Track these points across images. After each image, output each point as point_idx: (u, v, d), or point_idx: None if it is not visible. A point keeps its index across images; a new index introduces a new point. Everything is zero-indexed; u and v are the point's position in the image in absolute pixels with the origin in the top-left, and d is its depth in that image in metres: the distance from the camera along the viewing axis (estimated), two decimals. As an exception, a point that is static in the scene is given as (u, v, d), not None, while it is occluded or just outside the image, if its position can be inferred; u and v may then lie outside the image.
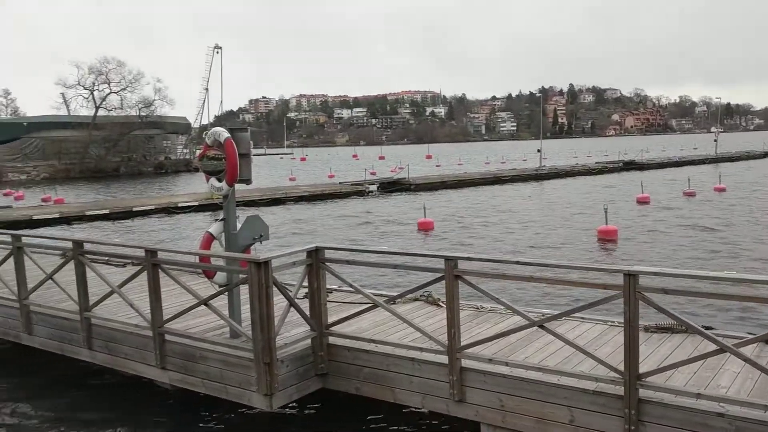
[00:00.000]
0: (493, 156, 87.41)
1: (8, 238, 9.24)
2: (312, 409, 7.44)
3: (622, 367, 5.31)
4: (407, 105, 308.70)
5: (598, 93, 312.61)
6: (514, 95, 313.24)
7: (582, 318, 7.40)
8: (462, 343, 6.17)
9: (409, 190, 39.87)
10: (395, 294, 7.36)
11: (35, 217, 27.18)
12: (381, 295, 7.64)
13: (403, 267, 6.99)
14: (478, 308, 8.10)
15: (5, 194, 42.96)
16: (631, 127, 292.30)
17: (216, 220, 7.35)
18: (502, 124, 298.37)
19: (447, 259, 6.07)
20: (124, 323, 7.76)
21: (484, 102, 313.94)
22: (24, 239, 9.13)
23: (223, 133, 6.92)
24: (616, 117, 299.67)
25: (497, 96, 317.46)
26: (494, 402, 5.96)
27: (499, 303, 6.07)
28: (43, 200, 35.35)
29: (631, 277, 5.16)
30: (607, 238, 19.58)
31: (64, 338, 8.46)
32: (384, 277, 13.80)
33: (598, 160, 66.72)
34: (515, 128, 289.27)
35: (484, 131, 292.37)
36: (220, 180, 7.03)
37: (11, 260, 8.94)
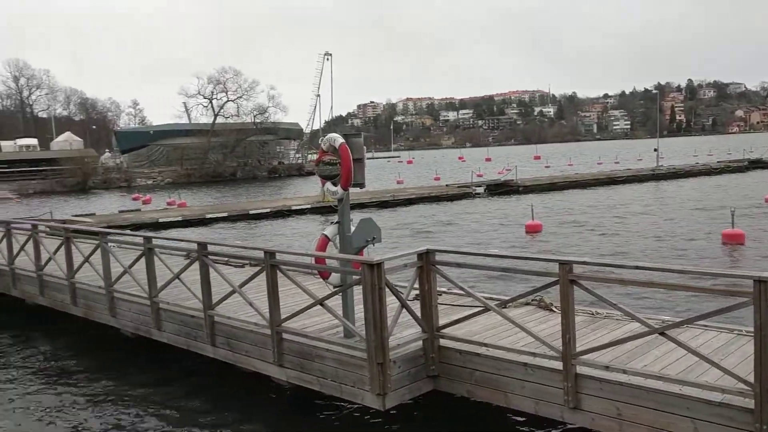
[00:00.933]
0: (605, 156, 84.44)
1: (140, 240, 9.93)
2: (423, 410, 7.50)
3: (751, 378, 5.01)
4: (514, 105, 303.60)
5: (719, 88, 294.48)
6: (627, 92, 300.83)
7: (705, 326, 7.02)
8: (577, 349, 6.03)
9: (518, 192, 39.24)
10: (507, 298, 7.30)
11: (161, 220, 28.99)
12: (492, 299, 7.61)
13: (514, 270, 6.92)
14: (593, 314, 7.88)
15: (134, 198, 46.05)
16: (757, 123, 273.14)
17: (331, 223, 7.57)
18: (614, 123, 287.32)
19: (562, 263, 5.96)
20: (244, 321, 8.14)
21: (596, 100, 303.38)
22: (154, 241, 9.77)
23: (338, 138, 7.13)
24: (740, 113, 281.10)
25: (609, 94, 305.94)
26: (611, 410, 5.79)
27: (617, 309, 5.89)
28: (168, 204, 37.59)
29: (762, 283, 4.87)
30: (733, 243, 18.43)
31: (190, 334, 8.98)
32: (489, 281, 13.67)
33: (720, 158, 62.91)
34: (629, 127, 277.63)
35: (595, 130, 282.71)
36: (335, 184, 7.25)
37: (143, 260, 9.59)
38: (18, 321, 12.98)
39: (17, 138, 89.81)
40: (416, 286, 7.04)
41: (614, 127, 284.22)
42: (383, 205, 34.00)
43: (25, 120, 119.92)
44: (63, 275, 11.36)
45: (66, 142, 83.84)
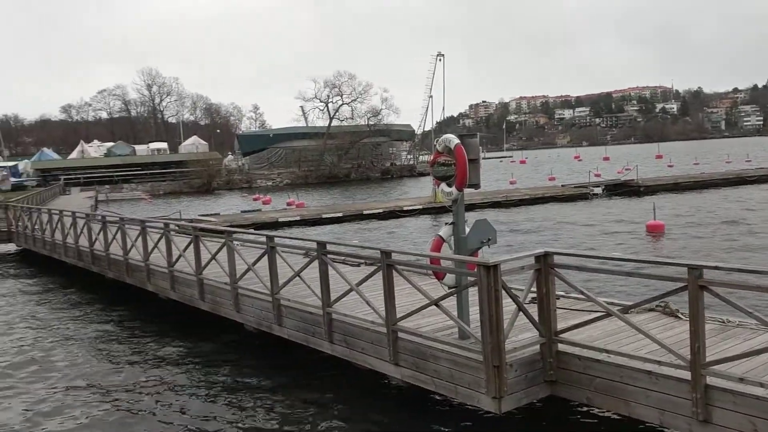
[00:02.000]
0: (735, 154, 79.11)
1: (263, 239, 10.37)
2: (540, 415, 7.36)
3: None
4: (634, 102, 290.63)
5: None
6: (760, 86, 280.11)
7: None
8: (707, 359, 5.71)
9: (638, 193, 37.56)
10: (630, 303, 7.02)
11: (280, 220, 30.13)
12: (613, 303, 7.34)
13: (638, 275, 6.65)
14: (723, 322, 7.42)
15: (254, 199, 48.05)
16: None
17: (445, 224, 7.59)
18: (745, 119, 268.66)
19: (691, 267, 5.66)
20: (360, 319, 8.31)
21: (724, 95, 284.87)
22: (276, 240, 10.17)
23: (453, 139, 7.14)
24: None
25: (740, 88, 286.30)
26: (745, 425, 5.43)
27: (753, 317, 5.52)
28: (288, 204, 38.96)
29: None
30: None
31: (309, 330, 9.28)
32: (605, 284, 13.17)
33: None
34: (761, 122, 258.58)
35: (723, 127, 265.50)
36: (450, 185, 7.26)
37: (265, 258, 10.00)
38: (152, 314, 13.90)
39: (150, 142, 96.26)
40: (533, 289, 6.92)
41: (745, 124, 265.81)
42: (496, 205, 33.61)
43: (157, 125, 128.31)
44: (192, 272, 12.05)
45: (193, 145, 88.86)
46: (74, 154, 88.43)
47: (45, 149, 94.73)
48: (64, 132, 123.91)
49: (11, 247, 26.20)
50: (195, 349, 11.39)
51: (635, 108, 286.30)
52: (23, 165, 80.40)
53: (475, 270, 6.56)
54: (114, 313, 14.56)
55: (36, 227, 22.26)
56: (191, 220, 25.34)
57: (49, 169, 76.84)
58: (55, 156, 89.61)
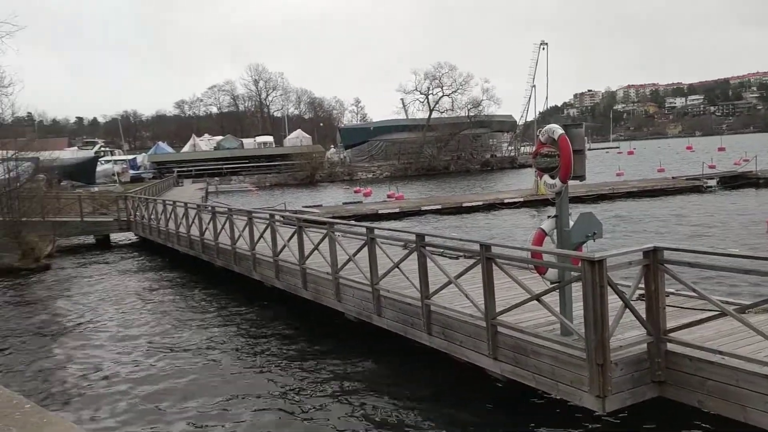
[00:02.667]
0: None
1: (363, 230, 10.51)
2: (646, 417, 7.06)
3: None
4: (754, 88, 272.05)
5: None
6: None
7: None
8: (836, 365, 5.28)
9: (757, 185, 35.22)
10: (748, 303, 6.61)
11: (380, 211, 30.44)
12: (728, 303, 6.93)
13: (757, 273, 6.24)
14: None
15: (355, 191, 48.77)
16: None
17: (548, 216, 7.41)
18: None
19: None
20: (459, 312, 8.27)
21: None
22: (376, 231, 10.28)
23: (557, 129, 6.95)
24: None
25: None
26: None
27: None
28: (388, 196, 39.29)
29: None
30: None
31: (407, 322, 9.34)
32: (717, 283, 12.42)
33: None
34: None
35: None
36: (553, 177, 7.07)
37: (365, 249, 10.14)
38: (259, 303, 14.42)
39: (256, 136, 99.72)
40: (640, 285, 6.64)
41: None
42: (601, 198, 32.47)
43: (263, 119, 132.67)
44: (295, 261, 12.40)
45: (297, 138, 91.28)
46: (186, 148, 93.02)
47: (160, 143, 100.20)
48: (178, 126, 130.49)
49: (130, 235, 27.88)
50: (297, 334, 11.72)
51: (755, 95, 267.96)
52: (141, 158, 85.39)
53: (579, 265, 6.37)
54: (222, 299, 15.21)
55: (152, 217, 23.59)
56: (295, 211, 26.06)
57: (163, 162, 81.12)
58: (169, 149, 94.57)
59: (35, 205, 24.72)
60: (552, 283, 7.18)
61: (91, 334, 12.99)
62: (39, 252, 21.87)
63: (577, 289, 6.77)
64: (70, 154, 66.63)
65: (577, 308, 6.80)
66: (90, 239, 27.50)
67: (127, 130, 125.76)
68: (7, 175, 24.20)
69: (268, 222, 13.84)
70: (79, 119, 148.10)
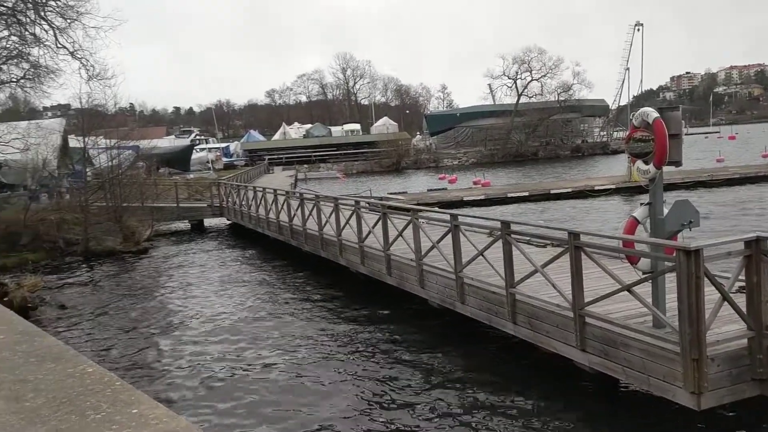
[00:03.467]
0: None
1: (447, 217, 10.44)
2: (746, 416, 6.69)
3: None
4: None
5: None
6: None
7: None
8: None
9: None
10: None
11: (465, 198, 30.19)
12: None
13: None
14: None
15: (440, 178, 48.58)
16: None
17: (641, 204, 7.10)
18: None
19: None
20: (546, 302, 8.08)
21: None
22: (459, 218, 10.19)
23: (651, 113, 6.63)
24: None
25: None
26: None
27: None
28: (474, 183, 38.90)
29: None
30: None
31: (491, 310, 9.22)
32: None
33: None
34: None
35: None
36: (647, 162, 6.77)
37: (449, 237, 10.07)
38: (345, 288, 14.63)
39: (344, 123, 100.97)
40: (740, 277, 6.27)
41: None
42: (699, 185, 30.90)
43: (350, 107, 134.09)
44: (380, 247, 12.48)
45: (383, 126, 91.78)
46: (277, 136, 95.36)
47: (252, 131, 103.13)
48: (269, 115, 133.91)
49: (223, 221, 28.90)
50: (381, 319, 11.81)
51: None
52: (234, 146, 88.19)
53: (674, 255, 6.08)
54: (309, 283, 15.53)
55: (243, 203, 24.34)
56: (380, 198, 26.24)
57: (255, 150, 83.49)
58: (261, 137, 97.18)
59: (135, 191, 26.03)
60: (644, 273, 6.89)
61: (184, 315, 13.56)
62: (138, 236, 23.03)
63: (671, 280, 6.47)
64: (167, 142, 69.61)
65: (671, 300, 6.51)
66: (185, 224, 28.69)
67: (220, 119, 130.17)
68: (110, 163, 25.57)
69: (353, 208, 13.99)
70: (177, 109, 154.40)
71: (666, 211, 6.87)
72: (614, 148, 74.19)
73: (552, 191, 31.19)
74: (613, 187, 30.81)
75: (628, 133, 7.14)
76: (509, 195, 30.82)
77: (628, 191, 29.40)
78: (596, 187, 31.06)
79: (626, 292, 6.84)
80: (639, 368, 6.65)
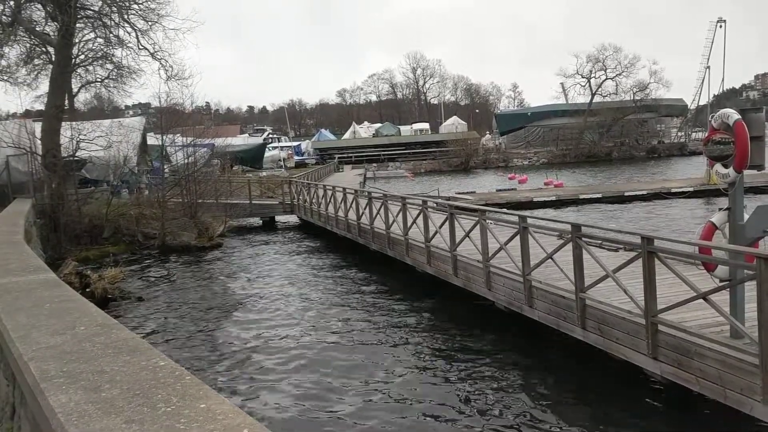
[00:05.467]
0: None
1: (515, 219, 10.31)
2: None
3: None
4: None
5: None
6: None
7: None
8: None
9: None
10: None
11: (535, 199, 29.72)
12: None
13: None
14: None
15: (510, 178, 47.92)
16: None
17: (720, 209, 6.83)
18: None
19: None
20: (616, 308, 7.87)
21: None
22: (529, 220, 10.04)
23: (732, 114, 6.36)
24: None
25: None
26: None
27: None
28: (546, 184, 38.22)
29: None
30: None
31: (560, 315, 9.04)
32: None
33: None
34: None
35: None
36: (726, 166, 6.50)
37: (517, 238, 9.95)
38: (411, 287, 14.66)
39: (413, 123, 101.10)
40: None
41: None
42: (785, 189, 29.36)
43: (420, 106, 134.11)
44: (446, 248, 12.43)
45: (452, 125, 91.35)
46: (347, 135, 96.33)
47: (323, 130, 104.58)
48: (339, 114, 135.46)
49: (294, 218, 29.42)
50: (445, 319, 11.77)
51: None
52: (305, 145, 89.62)
53: (754, 262, 5.81)
54: (377, 282, 15.63)
55: (313, 201, 24.71)
56: (448, 198, 26.14)
57: (325, 149, 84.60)
58: (331, 136, 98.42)
59: (210, 188, 26.82)
60: (722, 281, 6.63)
61: (255, 311, 13.88)
62: (212, 231, 23.72)
63: (750, 289, 6.19)
64: (241, 140, 71.43)
65: (751, 310, 6.23)
66: (257, 220, 29.36)
67: (292, 118, 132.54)
68: (186, 160, 26.44)
69: (420, 208, 13.99)
70: (250, 108, 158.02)
71: (747, 216, 6.58)
72: (692, 149, 71.37)
73: (626, 193, 30.34)
74: (690, 189, 29.71)
75: (707, 134, 6.87)
76: (581, 196, 30.15)
77: (707, 194, 28.27)
78: (673, 190, 30.02)
79: (701, 300, 6.59)
80: (714, 379, 6.40)
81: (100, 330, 4.04)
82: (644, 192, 30.30)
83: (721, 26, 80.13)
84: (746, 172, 6.61)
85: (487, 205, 22.24)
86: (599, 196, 30.13)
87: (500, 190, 35.31)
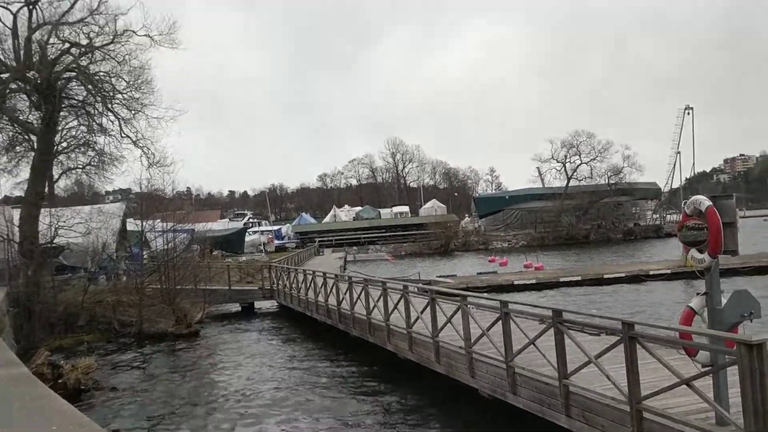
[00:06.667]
0: None
1: (497, 304, 10.30)
2: None
3: None
4: None
5: None
6: None
7: None
8: None
9: None
10: None
11: (516, 282, 29.77)
12: None
13: None
14: None
15: (490, 260, 48.09)
16: None
17: (697, 294, 6.89)
18: None
19: None
20: (600, 394, 7.78)
21: None
22: (510, 305, 10.03)
23: (704, 201, 6.54)
24: None
25: None
26: None
27: None
28: (525, 266, 38.35)
29: None
30: None
31: (544, 402, 8.90)
32: None
33: None
34: None
35: None
36: (701, 251, 6.62)
37: (499, 324, 9.90)
38: (394, 374, 14.40)
39: (393, 206, 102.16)
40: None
41: None
42: (760, 271, 29.77)
43: (399, 190, 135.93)
44: (428, 333, 12.32)
45: (432, 208, 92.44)
46: (327, 218, 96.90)
47: (303, 214, 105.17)
48: (320, 198, 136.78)
49: (273, 303, 29.07)
50: (428, 408, 11.52)
51: None
52: (285, 228, 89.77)
53: (735, 348, 5.83)
54: (357, 371, 15.35)
55: (293, 286, 24.51)
56: (429, 282, 26.12)
57: (306, 232, 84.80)
58: (312, 220, 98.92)
59: (189, 273, 26.56)
60: (704, 366, 6.61)
61: (232, 401, 13.50)
62: (190, 318, 23.32)
63: (733, 374, 6.18)
64: (221, 225, 71.32)
65: (735, 395, 6.20)
66: (236, 306, 28.96)
67: (273, 202, 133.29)
68: (165, 246, 26.29)
69: (401, 293, 13.93)
70: (231, 192, 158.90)
71: (724, 301, 6.65)
72: (668, 231, 72.58)
73: (605, 276, 30.54)
74: (668, 271, 30.00)
75: (680, 221, 7.03)
76: (561, 279, 30.29)
77: (685, 276, 28.51)
78: (651, 272, 30.28)
79: (686, 386, 6.55)
80: (702, 469, 6.28)
81: (74, 430, 3.92)
82: (623, 274, 30.53)
83: (688, 113, 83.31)
84: (721, 256, 6.73)
85: (468, 288, 22.23)
86: (579, 278, 30.28)
87: (481, 273, 35.33)
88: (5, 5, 23.50)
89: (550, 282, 29.93)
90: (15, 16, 23.63)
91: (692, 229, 6.72)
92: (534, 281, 30.03)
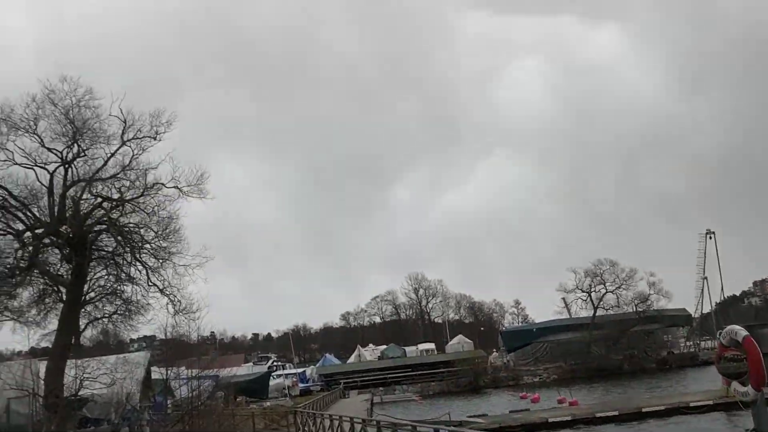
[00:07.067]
0: None
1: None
2: None
3: None
4: None
5: None
6: None
7: None
8: None
9: None
10: None
11: (550, 420, 28.60)
12: None
13: None
14: None
15: (522, 396, 46.48)
16: None
17: (746, 430, 6.61)
18: None
19: None
20: None
21: None
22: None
23: (740, 331, 6.48)
24: None
25: None
26: None
27: None
28: (559, 401, 36.93)
29: None
30: None
31: None
32: None
33: None
34: None
35: None
36: (743, 384, 6.42)
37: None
38: None
39: (418, 343, 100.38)
40: None
41: None
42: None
43: (424, 326, 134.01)
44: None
45: (458, 344, 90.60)
46: (352, 358, 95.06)
47: (327, 355, 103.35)
48: (344, 337, 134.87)
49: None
50: None
51: None
52: (310, 371, 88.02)
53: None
54: None
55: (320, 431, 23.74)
56: (459, 423, 25.21)
57: (331, 374, 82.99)
58: (336, 361, 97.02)
59: (213, 421, 25.89)
60: None
61: None
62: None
63: None
64: (245, 370, 70.31)
65: None
66: (260, 455, 27.94)
67: (297, 343, 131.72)
68: (190, 394, 25.86)
69: (433, 437, 13.44)
70: (255, 335, 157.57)
71: (775, 436, 6.35)
72: (704, 358, 70.16)
73: (644, 409, 29.32)
74: (710, 402, 28.72)
75: (717, 352, 6.89)
76: (597, 415, 29.09)
77: (729, 407, 27.21)
78: (692, 404, 29.02)
79: None
80: None
81: None
82: (662, 407, 29.32)
83: (710, 237, 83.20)
84: (766, 389, 6.51)
85: (501, 428, 21.34)
86: (616, 413, 29.06)
87: (513, 411, 34.07)
88: (43, 165, 24.81)
89: (586, 418, 28.72)
90: (52, 175, 24.87)
91: (731, 360, 6.59)
92: (569, 418, 28.86)
